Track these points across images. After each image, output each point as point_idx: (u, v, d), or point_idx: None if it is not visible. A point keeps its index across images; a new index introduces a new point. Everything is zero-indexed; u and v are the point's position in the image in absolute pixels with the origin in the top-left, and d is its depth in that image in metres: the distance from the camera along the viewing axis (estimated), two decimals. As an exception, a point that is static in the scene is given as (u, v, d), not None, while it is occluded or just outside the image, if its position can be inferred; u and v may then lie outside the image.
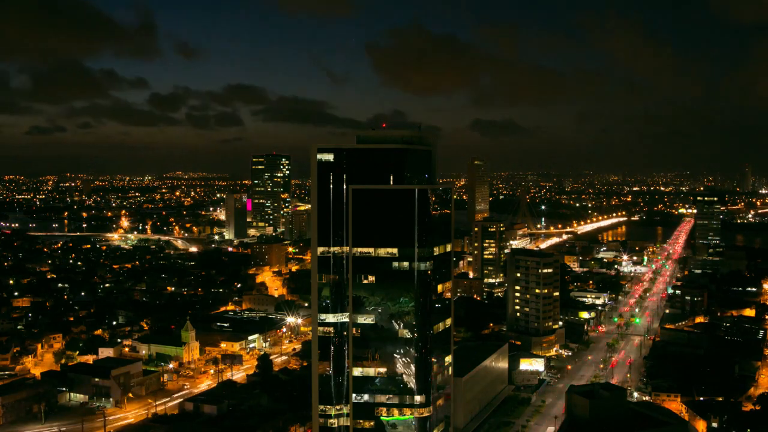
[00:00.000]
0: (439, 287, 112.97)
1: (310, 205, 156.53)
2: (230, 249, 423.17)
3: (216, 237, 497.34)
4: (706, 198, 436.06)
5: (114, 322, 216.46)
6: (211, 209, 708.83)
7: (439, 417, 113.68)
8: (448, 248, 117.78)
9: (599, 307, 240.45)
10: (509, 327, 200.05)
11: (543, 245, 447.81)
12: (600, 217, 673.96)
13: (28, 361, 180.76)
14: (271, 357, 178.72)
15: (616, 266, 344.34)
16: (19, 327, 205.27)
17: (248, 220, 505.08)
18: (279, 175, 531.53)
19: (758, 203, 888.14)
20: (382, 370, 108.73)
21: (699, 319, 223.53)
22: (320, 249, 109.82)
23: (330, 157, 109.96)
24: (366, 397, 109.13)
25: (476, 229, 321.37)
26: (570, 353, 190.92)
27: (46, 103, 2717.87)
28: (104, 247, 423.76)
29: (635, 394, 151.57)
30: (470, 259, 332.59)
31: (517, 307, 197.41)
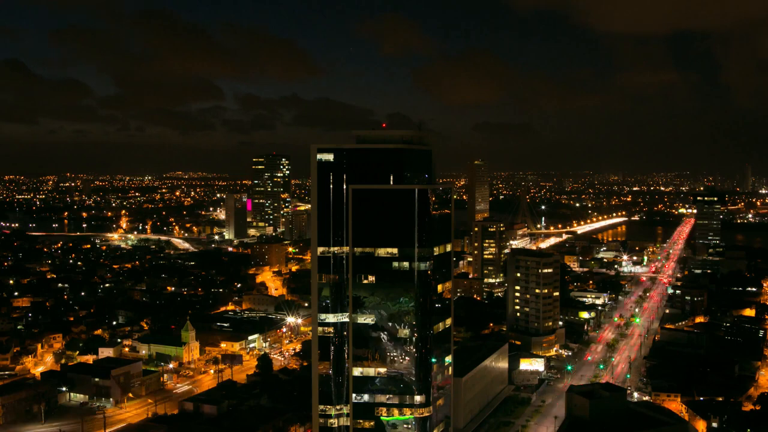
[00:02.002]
0: (439, 287, 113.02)
1: (310, 205, 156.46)
2: (230, 249, 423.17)
3: (216, 237, 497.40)
4: (706, 198, 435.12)
5: (114, 322, 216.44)
6: (211, 209, 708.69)
7: (439, 417, 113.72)
8: (448, 248, 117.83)
9: (599, 307, 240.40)
10: (509, 327, 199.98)
11: (543, 245, 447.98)
12: (600, 217, 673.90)
13: (28, 361, 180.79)
14: (271, 357, 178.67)
15: (616, 266, 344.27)
16: (19, 327, 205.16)
17: (248, 220, 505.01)
18: (279, 175, 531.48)
19: (758, 203, 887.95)
20: (382, 370, 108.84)
21: (699, 319, 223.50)
22: (320, 249, 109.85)
23: (330, 157, 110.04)
24: (366, 397, 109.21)
25: (476, 229, 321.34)
26: (570, 353, 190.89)
27: (119, 109, 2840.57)
28: (104, 247, 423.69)
29: (635, 394, 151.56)
30: (470, 259, 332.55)
31: (517, 307, 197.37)
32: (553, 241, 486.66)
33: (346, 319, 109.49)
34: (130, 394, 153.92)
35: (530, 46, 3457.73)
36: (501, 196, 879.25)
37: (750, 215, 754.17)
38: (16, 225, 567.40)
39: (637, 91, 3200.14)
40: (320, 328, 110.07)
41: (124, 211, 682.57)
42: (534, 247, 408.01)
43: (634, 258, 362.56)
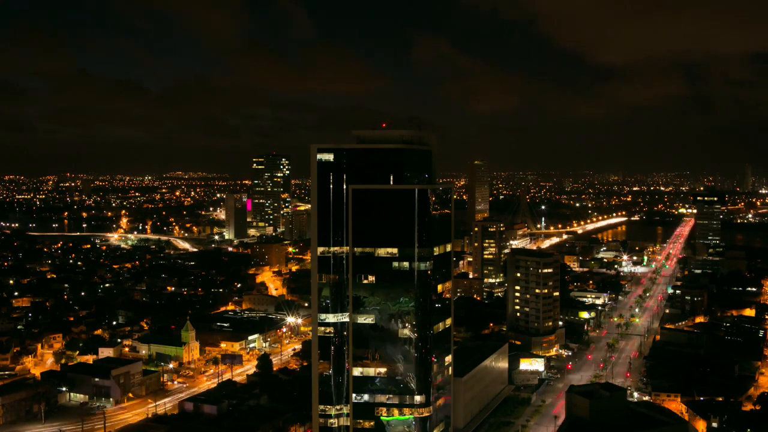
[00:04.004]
0: (439, 287, 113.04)
1: (310, 205, 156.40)
2: (230, 249, 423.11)
3: (216, 237, 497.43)
4: (706, 198, 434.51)
5: (114, 322, 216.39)
6: (211, 209, 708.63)
7: (439, 417, 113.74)
8: (448, 248, 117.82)
9: (599, 307, 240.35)
10: (509, 327, 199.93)
11: (543, 245, 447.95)
12: (600, 217, 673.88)
13: (28, 361, 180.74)
14: (271, 357, 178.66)
15: (616, 266, 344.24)
16: (19, 327, 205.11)
17: (248, 220, 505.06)
18: (279, 175, 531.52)
19: (758, 203, 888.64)
20: (382, 370, 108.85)
21: (699, 319, 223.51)
22: (320, 249, 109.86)
23: (330, 157, 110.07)
24: (366, 397, 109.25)
25: (476, 229, 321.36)
26: (570, 353, 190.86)
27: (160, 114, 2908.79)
28: (104, 247, 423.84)
29: (635, 394, 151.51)
30: (470, 259, 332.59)
31: (517, 307, 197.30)
32: (553, 241, 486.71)
33: (346, 319, 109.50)
34: (130, 394, 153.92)
35: (532, 63, 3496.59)
36: (501, 196, 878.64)
37: (750, 215, 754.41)
38: (16, 225, 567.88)
39: (636, 99, 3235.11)
40: (320, 328, 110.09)
41: (124, 211, 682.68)
42: (534, 247, 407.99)
43: (634, 258, 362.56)
